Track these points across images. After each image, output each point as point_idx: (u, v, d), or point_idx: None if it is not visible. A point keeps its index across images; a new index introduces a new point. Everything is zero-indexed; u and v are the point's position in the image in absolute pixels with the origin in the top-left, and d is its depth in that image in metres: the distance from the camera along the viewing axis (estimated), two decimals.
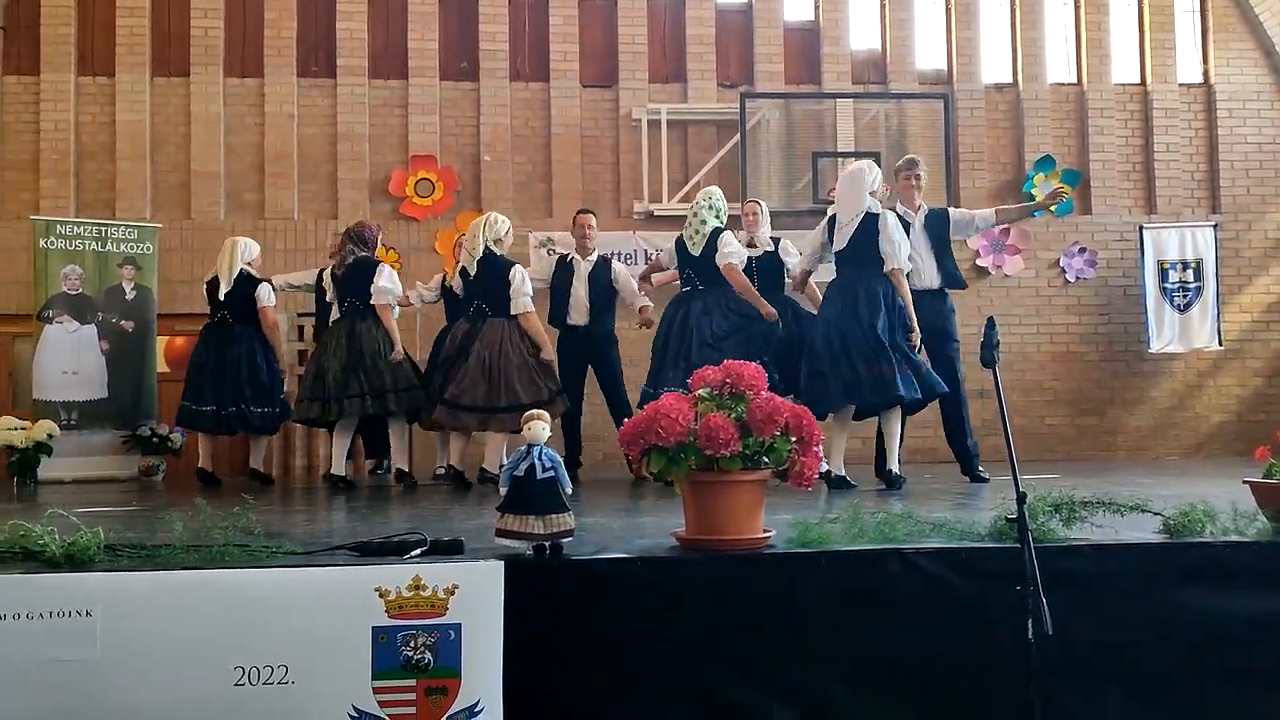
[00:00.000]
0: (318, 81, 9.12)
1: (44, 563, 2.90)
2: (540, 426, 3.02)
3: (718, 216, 6.22)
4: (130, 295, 8.05)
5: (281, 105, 9.02)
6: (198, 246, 8.81)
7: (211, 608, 2.80)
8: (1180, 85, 9.66)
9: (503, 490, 3.06)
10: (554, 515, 3.00)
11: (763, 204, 6.85)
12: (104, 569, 2.90)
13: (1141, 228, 9.22)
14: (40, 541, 2.94)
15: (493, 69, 9.20)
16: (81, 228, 8.05)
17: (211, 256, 8.81)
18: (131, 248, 8.11)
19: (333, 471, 6.38)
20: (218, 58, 9.02)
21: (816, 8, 9.53)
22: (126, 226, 8.24)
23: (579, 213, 7.11)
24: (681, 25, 9.38)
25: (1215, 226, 9.24)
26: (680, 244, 6.30)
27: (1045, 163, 9.36)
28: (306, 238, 8.97)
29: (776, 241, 6.54)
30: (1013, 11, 9.65)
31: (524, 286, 6.24)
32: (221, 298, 7.02)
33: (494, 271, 6.23)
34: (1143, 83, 9.68)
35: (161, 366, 8.56)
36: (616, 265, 6.99)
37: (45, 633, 2.73)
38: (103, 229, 8.09)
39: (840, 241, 5.66)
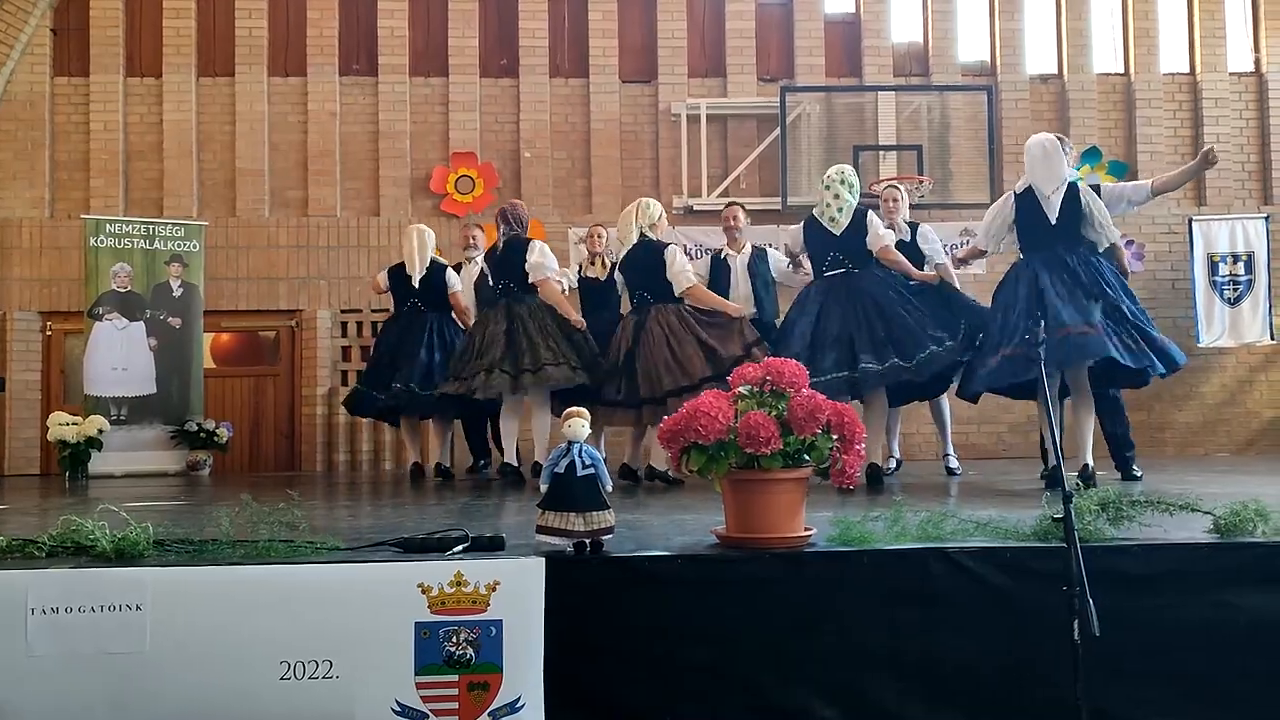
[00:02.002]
0: (359, 80, 9.20)
1: (95, 557, 2.96)
2: (580, 423, 3.02)
3: (853, 193, 5.83)
4: (177, 292, 8.20)
5: (324, 104, 9.12)
6: (243, 244, 8.94)
7: (258, 602, 2.84)
8: (1231, 74, 9.46)
9: (543, 487, 3.06)
10: (595, 513, 3.00)
11: (903, 189, 6.63)
12: (153, 563, 2.95)
13: (1191, 220, 9.05)
14: (91, 536, 3.00)
15: (532, 65, 9.23)
16: (130, 226, 8.21)
17: (257, 254, 8.99)
18: (178, 245, 8.25)
19: (506, 461, 6.20)
20: (261, 57, 9.13)
21: (857, 0, 9.45)
22: (173, 224, 8.39)
23: (726, 206, 6.87)
24: (721, 19, 9.35)
25: (1267, 219, 9.05)
26: (814, 225, 5.85)
27: (1092, 154, 9.21)
28: (349, 235, 9.06)
29: (914, 227, 6.30)
30: (1057, 0, 9.51)
31: (683, 265, 6.00)
32: (416, 285, 6.89)
33: (652, 256, 6.00)
34: (1192, 72, 9.50)
35: (208, 362, 8.70)
36: (772, 253, 6.61)
37: (96, 626, 2.78)
38: (150, 227, 8.25)
39: (1050, 215, 5.34)
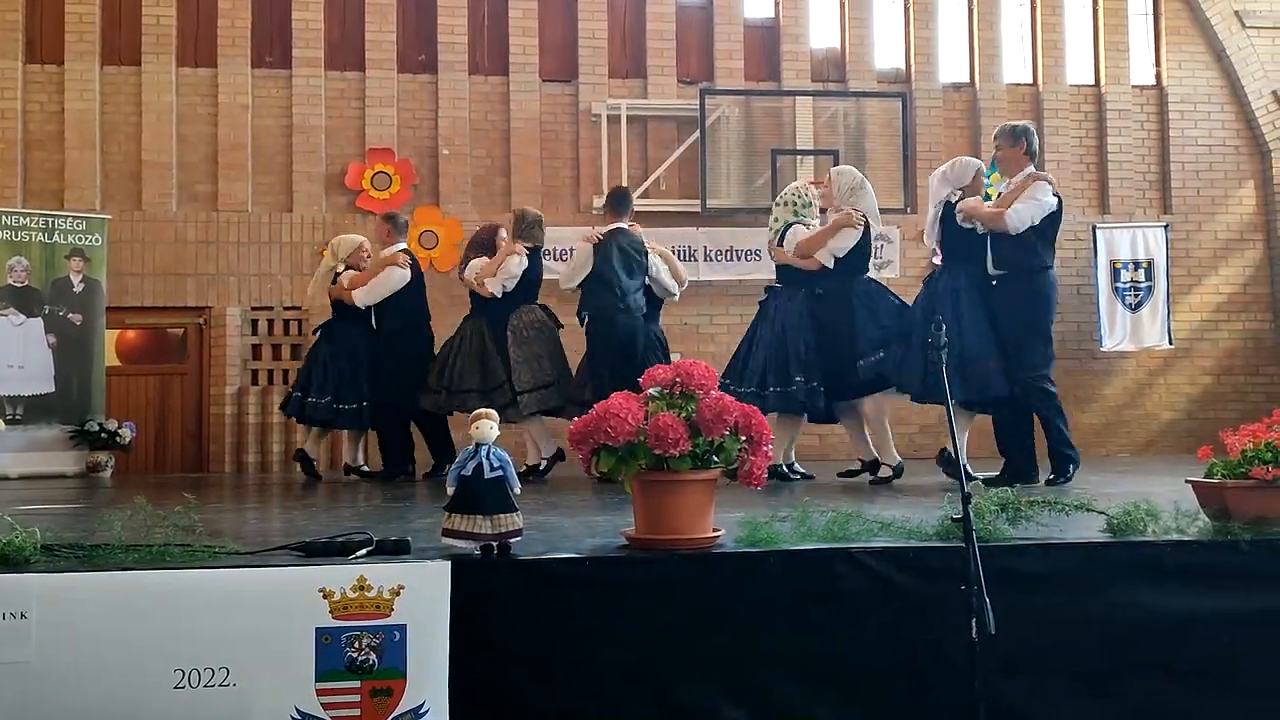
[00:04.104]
0: (272, 72, 8.99)
1: None
2: (488, 425, 2.99)
3: (794, 212, 6.05)
4: (78, 288, 7.91)
5: (235, 96, 8.89)
6: (148, 238, 8.68)
7: (151, 609, 2.75)
8: (1133, 87, 9.79)
9: (450, 490, 3.03)
10: (502, 515, 2.97)
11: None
12: (41, 569, 2.84)
13: (1095, 227, 9.34)
14: None
15: (451, 62, 9.12)
16: (28, 218, 7.89)
17: (163, 249, 8.73)
18: (80, 239, 7.96)
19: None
20: (170, 47, 8.86)
21: (776, 5, 9.54)
22: (75, 217, 8.09)
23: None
24: (642, 21, 9.35)
25: (1166, 227, 9.38)
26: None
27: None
28: (261, 230, 8.86)
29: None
30: (970, 12, 9.73)
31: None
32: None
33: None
34: (1097, 84, 9.80)
35: (112, 360, 8.43)
36: (654, 257, 6.53)
37: None
38: (50, 220, 7.95)
39: (929, 240, 5.75)
